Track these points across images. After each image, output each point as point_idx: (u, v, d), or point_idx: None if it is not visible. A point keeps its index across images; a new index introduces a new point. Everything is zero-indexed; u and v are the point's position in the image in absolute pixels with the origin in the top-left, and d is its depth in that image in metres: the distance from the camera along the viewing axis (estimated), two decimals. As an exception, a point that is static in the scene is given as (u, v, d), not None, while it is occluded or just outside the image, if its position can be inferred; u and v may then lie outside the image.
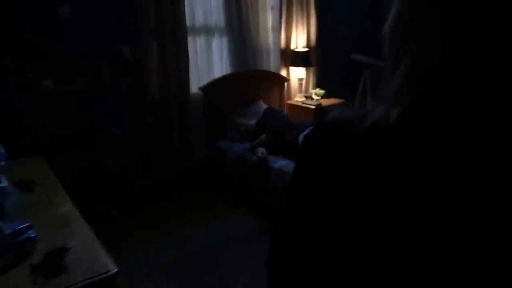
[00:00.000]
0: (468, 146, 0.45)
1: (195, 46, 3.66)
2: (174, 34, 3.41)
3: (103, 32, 3.03)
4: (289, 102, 4.41)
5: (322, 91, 4.50)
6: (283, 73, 4.37)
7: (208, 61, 3.79)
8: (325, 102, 4.39)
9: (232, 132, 3.71)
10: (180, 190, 3.60)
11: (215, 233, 3.09)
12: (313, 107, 4.16)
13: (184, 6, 3.44)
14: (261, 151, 3.26)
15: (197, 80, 3.73)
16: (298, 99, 4.40)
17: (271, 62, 4.25)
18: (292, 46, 4.35)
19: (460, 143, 0.46)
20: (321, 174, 0.56)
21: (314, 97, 4.41)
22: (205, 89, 3.70)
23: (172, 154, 3.56)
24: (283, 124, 3.40)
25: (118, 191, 3.34)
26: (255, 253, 2.83)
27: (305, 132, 0.73)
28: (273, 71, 4.26)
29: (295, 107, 4.34)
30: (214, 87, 3.74)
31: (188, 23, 3.52)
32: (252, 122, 3.64)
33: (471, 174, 0.45)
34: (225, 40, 3.86)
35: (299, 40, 4.40)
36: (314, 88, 4.58)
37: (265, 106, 3.93)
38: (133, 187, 3.43)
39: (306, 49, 4.35)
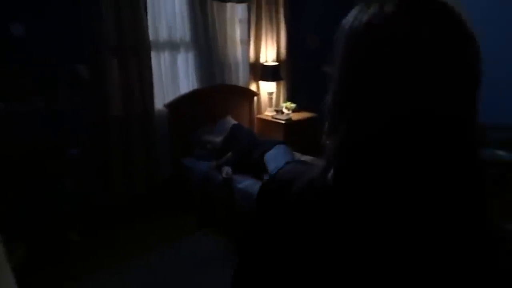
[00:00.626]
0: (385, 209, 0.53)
1: (159, 62, 3.57)
2: (136, 50, 3.31)
3: (59, 50, 2.91)
4: (259, 116, 4.35)
5: (293, 105, 4.45)
6: (253, 87, 4.31)
7: (174, 77, 3.70)
8: (296, 116, 4.34)
9: (198, 149, 3.62)
10: (145, 210, 3.49)
11: (181, 256, 2.98)
12: (283, 121, 4.11)
13: (146, 21, 3.34)
14: (226, 170, 3.18)
15: (162, 96, 3.64)
16: (268, 113, 4.34)
17: (240, 77, 4.18)
18: (262, 60, 4.29)
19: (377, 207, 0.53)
20: (270, 222, 0.66)
21: (285, 111, 4.36)
22: (170, 106, 3.60)
23: (135, 173, 3.45)
24: (249, 142, 3.33)
25: (78, 213, 3.21)
26: (222, 276, 2.75)
27: (263, 182, 0.89)
28: (242, 85, 4.19)
29: (265, 122, 4.28)
30: (179, 104, 3.65)
31: (151, 38, 3.42)
32: (219, 139, 3.56)
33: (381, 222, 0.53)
34: (191, 55, 3.78)
35: (269, 54, 4.34)
36: (285, 102, 4.53)
37: (233, 122, 3.86)
38: (94, 208, 3.30)
39: (276, 63, 4.30)
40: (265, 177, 3.05)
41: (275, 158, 3.05)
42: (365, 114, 0.53)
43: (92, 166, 3.24)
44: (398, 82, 0.50)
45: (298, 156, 3.64)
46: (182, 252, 3.04)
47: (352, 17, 0.56)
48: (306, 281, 0.61)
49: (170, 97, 3.67)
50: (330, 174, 0.56)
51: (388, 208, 0.52)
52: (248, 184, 3.06)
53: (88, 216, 3.25)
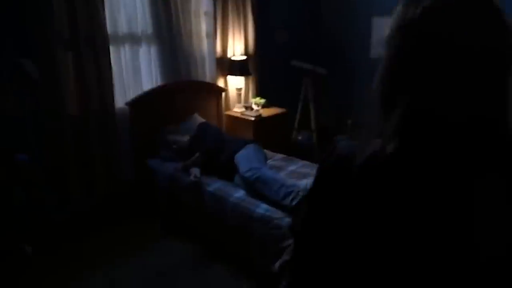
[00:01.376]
0: (447, 176, 0.56)
1: (119, 56, 3.30)
2: (92, 44, 3.04)
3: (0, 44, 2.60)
4: (227, 113, 4.17)
5: (262, 100, 4.30)
6: (220, 83, 4.11)
7: (135, 72, 3.44)
8: (266, 112, 4.19)
9: (164, 150, 3.39)
10: (106, 218, 3.23)
11: (148, 266, 2.77)
12: (252, 118, 3.95)
13: (103, 12, 3.07)
14: (194, 173, 2.98)
15: (123, 93, 3.38)
16: (237, 109, 4.17)
17: (207, 72, 3.98)
18: (229, 54, 4.10)
19: (439, 173, 0.56)
20: (334, 199, 0.66)
21: (254, 107, 4.19)
22: (132, 103, 3.35)
23: (94, 178, 3.18)
24: (216, 142, 3.15)
25: (32, 224, 2.92)
26: (190, 286, 2.58)
27: (321, 159, 0.78)
28: (208, 81, 3.99)
29: (234, 119, 4.10)
30: (142, 101, 3.40)
31: (109, 30, 3.16)
32: (185, 138, 3.35)
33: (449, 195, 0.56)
34: (154, 49, 3.53)
35: (236, 48, 4.16)
36: (254, 97, 4.36)
37: (200, 120, 3.66)
38: (50, 218, 3.01)
39: (244, 57, 4.12)
40: (236, 179, 2.88)
41: (247, 159, 2.88)
42: (422, 95, 0.58)
43: (45, 172, 2.95)
44: (451, 71, 0.56)
45: (270, 155, 3.50)
46: (148, 262, 2.82)
47: (404, 9, 0.60)
48: (371, 258, 0.62)
49: (132, 94, 3.42)
50: (390, 148, 0.58)
51: (447, 182, 0.56)
52: (218, 187, 2.88)
53: (44, 227, 2.97)
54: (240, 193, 2.76)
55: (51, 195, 3.00)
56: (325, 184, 0.69)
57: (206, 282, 2.65)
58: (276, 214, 2.46)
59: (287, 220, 2.38)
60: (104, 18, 3.08)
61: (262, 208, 2.55)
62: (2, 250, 2.75)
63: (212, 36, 3.93)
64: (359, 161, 0.62)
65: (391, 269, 0.60)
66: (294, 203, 2.35)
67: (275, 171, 3.13)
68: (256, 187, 2.65)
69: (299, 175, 3.05)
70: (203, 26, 3.83)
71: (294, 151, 4.48)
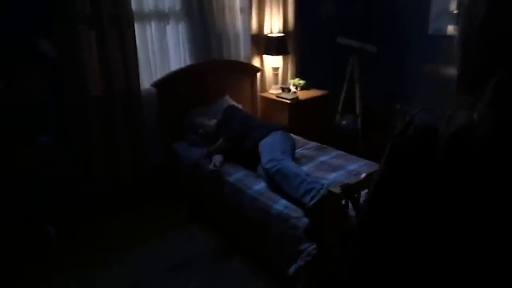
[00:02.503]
0: None
1: (145, 34, 3.15)
2: (116, 21, 2.91)
3: (14, 23, 2.53)
4: (262, 95, 3.91)
5: (301, 82, 3.98)
6: (256, 62, 3.84)
7: (163, 51, 3.28)
8: (304, 94, 3.87)
9: (190, 134, 3.24)
10: (131, 201, 3.18)
11: (167, 254, 2.67)
12: (288, 101, 3.65)
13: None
14: (214, 161, 2.80)
15: (150, 74, 3.25)
16: (274, 91, 3.89)
17: (241, 50, 3.72)
18: (266, 31, 3.80)
19: None
20: (410, 179, 0.61)
21: (292, 88, 3.89)
22: (158, 84, 3.21)
23: (119, 160, 3.12)
24: (242, 127, 2.92)
25: (57, 204, 2.94)
26: (207, 279, 2.45)
27: (395, 134, 0.64)
28: (242, 60, 3.74)
29: (269, 101, 3.84)
30: (170, 82, 3.25)
31: (134, 7, 3.01)
32: (212, 122, 3.16)
33: None
34: (182, 26, 3.34)
35: (274, 24, 3.84)
36: (293, 78, 4.05)
37: (231, 103, 3.44)
38: (74, 199, 3.01)
39: (282, 34, 3.80)
40: (259, 169, 2.65)
41: (271, 148, 2.63)
42: None
43: (70, 153, 2.93)
44: None
45: (302, 142, 3.22)
46: (169, 251, 2.72)
47: None
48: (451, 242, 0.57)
49: (159, 75, 3.28)
50: (486, 121, 0.53)
51: None
52: (239, 177, 2.67)
53: (68, 209, 2.97)
54: (260, 186, 2.53)
55: (76, 177, 2.99)
56: (404, 160, 0.61)
57: (223, 277, 2.50)
58: (295, 212, 2.21)
59: (304, 220, 2.12)
60: (128, -6, 2.93)
61: (281, 204, 2.31)
62: (26, 231, 2.80)
63: (247, 11, 3.65)
64: (448, 132, 0.56)
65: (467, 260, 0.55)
66: (312, 202, 2.08)
67: (305, 161, 2.86)
68: (276, 180, 2.41)
69: (329, 167, 2.75)
70: (237, 0, 3.55)
71: (336, 136, 4.14)
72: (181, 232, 2.91)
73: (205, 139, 3.13)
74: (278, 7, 3.81)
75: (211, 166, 2.74)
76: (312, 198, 2.14)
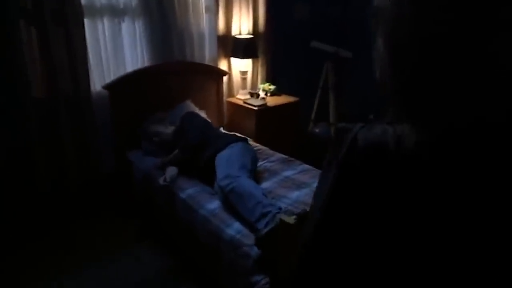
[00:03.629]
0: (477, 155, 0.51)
1: (96, 32, 2.86)
2: (61, 17, 2.61)
3: None
4: (229, 100, 3.65)
5: (271, 87, 3.75)
6: (223, 65, 3.58)
7: (117, 51, 2.99)
8: (274, 100, 3.64)
9: (146, 142, 2.96)
10: (74, 214, 2.88)
11: (112, 278, 2.40)
12: (255, 108, 3.41)
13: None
14: (166, 174, 2.53)
15: (102, 75, 2.95)
16: (241, 96, 3.64)
17: (206, 52, 3.46)
18: (234, 32, 3.55)
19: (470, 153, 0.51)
20: (361, 196, 0.58)
21: (261, 94, 3.65)
22: (111, 86, 2.92)
23: (63, 169, 2.82)
24: (201, 137, 2.66)
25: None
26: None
27: (340, 157, 0.58)
28: (208, 63, 3.47)
29: (236, 107, 3.59)
30: (124, 84, 2.96)
31: (83, 2, 2.72)
32: (169, 130, 2.89)
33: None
34: (140, 24, 3.05)
35: (243, 25, 3.59)
36: (263, 83, 3.81)
37: (191, 108, 3.18)
38: (12, 212, 2.70)
39: (251, 36, 3.56)
40: (215, 185, 2.39)
41: (227, 162, 2.38)
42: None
43: (8, 161, 2.62)
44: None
45: (267, 154, 2.98)
46: (110, 273, 2.44)
47: None
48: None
49: (113, 76, 2.99)
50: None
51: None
52: (192, 193, 2.41)
53: (5, 222, 2.66)
54: (214, 205, 2.28)
55: (16, 185, 2.68)
56: (355, 179, 0.58)
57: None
58: (248, 239, 1.97)
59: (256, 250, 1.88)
60: (76, -13, 2.63)
61: (233, 228, 2.06)
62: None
63: (213, 9, 3.39)
64: (405, 147, 0.54)
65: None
66: (266, 229, 1.83)
67: (268, 175, 2.63)
68: (230, 200, 2.16)
69: (293, 183, 2.51)
70: (202, -2, 3.29)
71: (309, 146, 3.92)
72: (130, 251, 2.64)
73: (161, 148, 2.87)
74: (248, 7, 3.56)
75: (160, 181, 2.48)
76: (266, 225, 1.90)
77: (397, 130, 0.56)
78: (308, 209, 1.84)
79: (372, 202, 0.57)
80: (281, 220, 1.64)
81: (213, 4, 3.36)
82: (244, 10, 3.54)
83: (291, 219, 1.62)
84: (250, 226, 2.02)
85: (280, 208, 2.01)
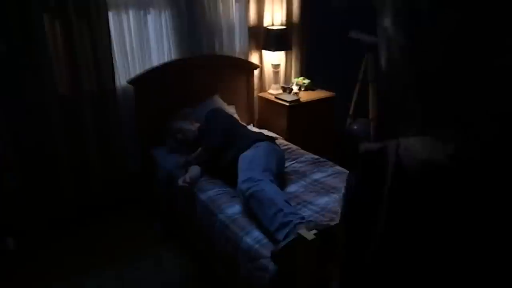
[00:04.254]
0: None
1: (121, 24, 2.77)
2: (85, 9, 2.54)
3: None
4: (261, 95, 3.47)
5: (306, 81, 3.52)
6: (254, 58, 3.40)
7: (142, 44, 2.89)
8: (308, 95, 3.41)
9: (170, 139, 2.85)
10: (99, 214, 2.84)
11: (131, 282, 2.32)
12: (287, 103, 3.20)
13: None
14: (188, 174, 2.40)
15: (127, 70, 2.87)
16: (273, 91, 3.44)
17: (236, 45, 3.29)
18: (266, 23, 3.35)
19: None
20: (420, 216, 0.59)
21: (295, 88, 3.44)
22: (136, 81, 2.83)
23: (89, 167, 2.78)
24: (223, 137, 2.50)
25: (21, 214, 2.63)
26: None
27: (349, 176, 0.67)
28: (238, 56, 3.30)
29: (268, 102, 3.40)
30: (150, 79, 2.87)
31: (107, -6, 2.64)
32: (194, 127, 2.76)
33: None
34: (167, 16, 2.94)
35: (276, 15, 3.38)
36: (297, 77, 3.59)
37: (219, 104, 3.03)
38: (40, 210, 2.69)
39: (283, 27, 3.34)
40: (237, 188, 2.22)
41: (250, 164, 2.21)
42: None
43: (31, 160, 2.60)
44: None
45: (297, 154, 2.78)
46: (130, 276, 2.36)
47: None
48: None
49: (139, 71, 2.90)
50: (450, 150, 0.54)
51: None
52: (212, 195, 2.27)
53: (30, 219, 2.66)
54: (234, 209, 2.12)
55: (41, 185, 2.66)
56: (410, 204, 0.60)
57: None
58: (267, 250, 1.78)
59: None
60: (100, -21, 2.55)
61: (253, 237, 1.89)
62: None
63: (243, 0, 3.21)
64: (416, 167, 0.57)
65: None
66: (284, 243, 1.64)
67: (295, 178, 2.43)
68: (251, 205, 1.99)
69: (322, 188, 2.30)
70: (232, -13, 3.11)
71: (346, 143, 3.67)
72: (150, 253, 2.55)
73: (185, 145, 2.74)
74: (281, -4, 3.34)
75: (180, 181, 2.35)
76: (286, 236, 1.71)
77: (434, 144, 0.56)
78: (336, 218, 1.65)
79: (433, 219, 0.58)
80: (298, 234, 1.45)
81: (244, -7, 3.18)
82: (277, -1, 3.33)
83: (310, 235, 1.43)
84: (270, 235, 1.84)
85: (303, 218, 1.81)
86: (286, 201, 1.94)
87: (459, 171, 0.54)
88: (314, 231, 1.44)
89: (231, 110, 3.14)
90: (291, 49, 3.44)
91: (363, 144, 0.66)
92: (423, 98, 0.57)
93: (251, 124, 3.36)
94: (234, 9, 3.17)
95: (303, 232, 1.45)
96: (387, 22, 0.56)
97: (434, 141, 0.57)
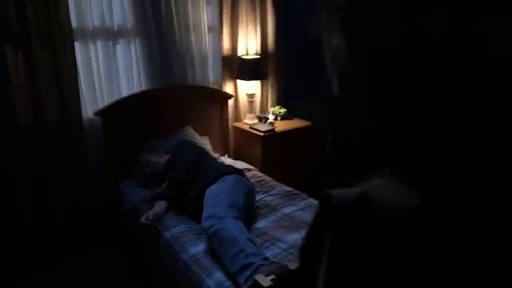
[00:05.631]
0: None
1: (89, 55, 2.70)
2: (48, 39, 2.48)
3: None
4: (235, 125, 3.39)
5: (282, 110, 3.46)
6: (229, 88, 3.34)
7: (111, 75, 2.82)
8: (284, 125, 3.34)
9: (138, 172, 2.74)
10: (62, 249, 2.68)
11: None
12: (261, 133, 3.13)
13: (65, 2, 2.48)
14: (152, 211, 2.28)
15: (95, 101, 2.78)
16: (248, 121, 3.37)
17: (210, 75, 3.24)
18: (241, 52, 3.32)
19: None
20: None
21: (271, 117, 3.37)
22: (103, 113, 2.74)
23: (51, 200, 2.64)
24: (190, 170, 2.40)
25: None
26: None
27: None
28: (212, 86, 3.25)
29: (242, 132, 3.32)
30: (118, 110, 2.78)
31: (75, 24, 2.58)
32: (163, 159, 2.66)
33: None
34: (137, 46, 2.88)
35: (250, 44, 3.36)
36: (274, 105, 3.54)
37: (189, 136, 2.94)
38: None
39: (257, 57, 3.31)
40: (200, 225, 2.10)
41: (214, 200, 2.10)
42: None
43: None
44: None
45: (269, 186, 2.68)
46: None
47: None
48: None
49: (107, 102, 2.81)
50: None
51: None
52: (177, 233, 2.14)
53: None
54: (198, 248, 1.99)
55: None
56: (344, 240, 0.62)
57: None
58: (228, 294, 1.66)
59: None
60: (66, 8, 2.50)
61: (214, 279, 1.76)
62: None
63: (217, 29, 3.18)
64: (385, 211, 0.58)
65: None
66: (246, 286, 1.52)
67: (266, 212, 2.32)
68: (213, 244, 1.87)
69: (292, 223, 2.19)
70: (205, 17, 3.08)
71: (324, 171, 3.58)
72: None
73: (152, 179, 2.63)
74: (255, 25, 3.33)
75: (142, 219, 2.22)
76: (247, 279, 1.58)
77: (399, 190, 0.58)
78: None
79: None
80: (254, 280, 1.33)
81: (217, 23, 3.15)
82: (251, 28, 3.31)
83: (266, 281, 1.31)
84: (232, 277, 1.71)
85: (266, 259, 1.69)
86: (250, 240, 1.82)
87: (429, 218, 0.54)
88: (272, 277, 1.33)
89: (204, 141, 3.05)
90: (266, 78, 3.40)
91: (335, 192, 0.63)
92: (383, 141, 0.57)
93: (226, 155, 3.26)
94: (207, 39, 3.13)
95: (260, 278, 1.34)
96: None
97: (401, 187, 0.57)
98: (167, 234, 2.16)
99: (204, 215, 2.01)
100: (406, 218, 0.56)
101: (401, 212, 0.57)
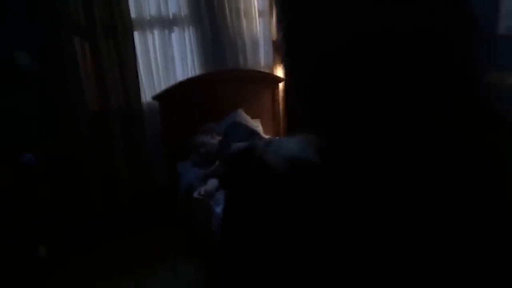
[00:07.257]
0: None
1: (146, 43, 2.89)
2: (112, 31, 2.69)
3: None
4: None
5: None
6: (280, 72, 3.38)
7: (167, 61, 2.99)
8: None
9: (194, 153, 2.89)
10: (126, 227, 2.92)
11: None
12: (313, 116, 3.13)
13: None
14: (204, 187, 2.41)
15: (153, 86, 2.97)
16: (300, 104, 3.38)
17: (261, 59, 3.30)
18: (291, 36, 3.33)
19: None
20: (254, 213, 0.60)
21: (323, 101, 3.35)
22: (161, 97, 2.92)
23: (117, 182, 2.88)
24: (239, 149, 2.48)
25: (53, 225, 2.78)
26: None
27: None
28: (263, 69, 3.31)
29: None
30: (174, 95, 2.94)
31: (133, 15, 2.77)
32: (216, 140, 2.78)
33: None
34: (190, 33, 3.02)
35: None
36: (325, 88, 3.51)
37: (242, 118, 3.03)
38: (71, 221, 2.83)
39: (309, 39, 3.30)
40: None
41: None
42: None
43: (60, 174, 2.75)
44: None
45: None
46: (154, 285, 2.40)
47: None
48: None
49: (163, 87, 2.99)
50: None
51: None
52: (226, 208, 2.25)
53: (62, 229, 2.80)
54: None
55: (76, 196, 2.80)
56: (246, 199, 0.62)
57: None
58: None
59: None
60: (126, 1, 2.69)
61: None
62: (16, 251, 2.66)
63: (267, 13, 3.22)
64: (283, 168, 0.57)
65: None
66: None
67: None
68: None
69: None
70: (255, 1, 3.14)
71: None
72: (170, 266, 2.56)
73: (206, 159, 2.76)
74: (306, 8, 3.31)
75: (195, 194, 2.36)
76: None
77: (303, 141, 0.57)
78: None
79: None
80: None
81: (267, 7, 3.19)
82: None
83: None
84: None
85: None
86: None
87: (325, 168, 0.53)
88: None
89: (255, 123, 3.13)
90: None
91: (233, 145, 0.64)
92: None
93: (277, 137, 3.32)
94: (257, 23, 3.19)
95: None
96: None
97: (304, 139, 0.57)
98: (218, 210, 2.27)
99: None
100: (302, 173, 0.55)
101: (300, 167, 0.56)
